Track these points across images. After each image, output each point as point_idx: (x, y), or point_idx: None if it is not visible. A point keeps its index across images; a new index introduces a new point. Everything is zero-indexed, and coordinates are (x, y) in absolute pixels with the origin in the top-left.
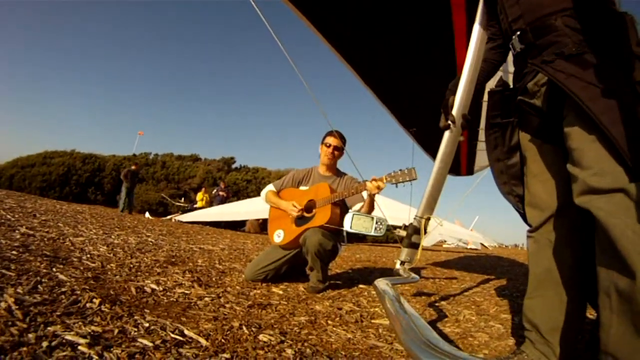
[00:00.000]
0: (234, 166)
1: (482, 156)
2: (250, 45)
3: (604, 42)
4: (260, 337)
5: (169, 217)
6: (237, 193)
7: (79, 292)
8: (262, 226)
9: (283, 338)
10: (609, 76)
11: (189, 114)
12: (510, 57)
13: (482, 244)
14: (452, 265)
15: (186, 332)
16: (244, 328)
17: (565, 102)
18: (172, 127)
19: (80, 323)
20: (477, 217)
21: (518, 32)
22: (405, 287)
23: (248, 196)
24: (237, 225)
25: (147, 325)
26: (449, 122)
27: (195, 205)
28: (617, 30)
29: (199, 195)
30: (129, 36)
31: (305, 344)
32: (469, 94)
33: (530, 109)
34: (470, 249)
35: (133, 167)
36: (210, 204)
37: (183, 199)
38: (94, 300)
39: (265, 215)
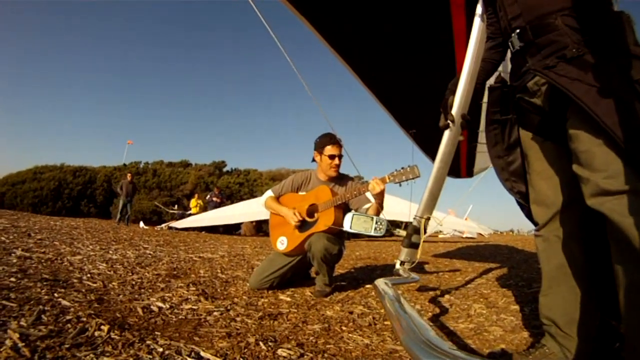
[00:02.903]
0: (225, 170)
1: (481, 158)
2: (235, 46)
3: (603, 42)
4: (279, 352)
5: (162, 225)
6: (230, 197)
7: (85, 319)
8: (258, 228)
9: (302, 351)
10: (610, 77)
11: (177, 120)
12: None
13: (479, 233)
14: (452, 256)
15: (202, 353)
16: (261, 344)
17: (567, 103)
18: (161, 134)
19: (91, 355)
20: (471, 206)
21: (517, 30)
22: (411, 284)
23: (241, 199)
24: (232, 229)
25: (161, 350)
26: (449, 121)
27: (189, 212)
28: (615, 30)
29: (193, 202)
30: (112, 44)
31: (326, 355)
32: (468, 94)
33: (530, 107)
34: (466, 237)
35: (128, 177)
36: (204, 209)
37: (176, 205)
38: (102, 327)
39: (260, 217)
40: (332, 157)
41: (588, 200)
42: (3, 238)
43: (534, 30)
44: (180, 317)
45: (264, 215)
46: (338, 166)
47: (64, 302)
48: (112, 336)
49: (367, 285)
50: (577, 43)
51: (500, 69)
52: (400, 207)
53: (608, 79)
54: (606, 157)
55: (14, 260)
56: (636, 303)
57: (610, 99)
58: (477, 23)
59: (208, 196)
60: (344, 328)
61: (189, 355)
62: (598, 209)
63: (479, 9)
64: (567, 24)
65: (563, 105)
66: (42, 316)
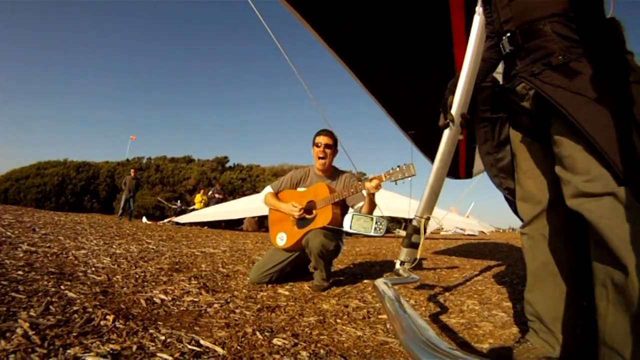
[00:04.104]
0: (227, 165)
1: (480, 159)
2: (237, 43)
3: (593, 49)
4: (275, 341)
5: (165, 220)
6: (232, 192)
7: (90, 310)
8: (260, 223)
9: (296, 340)
10: (594, 83)
11: (179, 115)
12: None
13: (480, 231)
14: (452, 253)
15: (202, 342)
16: (258, 333)
17: (553, 108)
18: (163, 129)
19: (97, 342)
20: (472, 204)
21: (508, 34)
22: None
23: (244, 194)
24: (234, 224)
25: (163, 338)
26: (448, 121)
27: (191, 207)
28: (606, 37)
29: (197, 197)
30: (114, 41)
31: (319, 345)
32: (468, 93)
33: (520, 109)
34: (468, 235)
35: (132, 173)
36: (207, 205)
37: (179, 201)
38: (107, 317)
39: (261, 213)
40: (318, 145)
41: (568, 201)
42: (9, 233)
43: (524, 34)
44: (181, 308)
45: (266, 210)
46: (323, 153)
47: (71, 294)
48: (117, 325)
49: (365, 281)
50: (564, 50)
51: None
52: (400, 204)
53: (592, 87)
54: (587, 161)
55: (21, 255)
56: (611, 299)
57: (593, 106)
58: (477, 22)
59: (210, 192)
60: (338, 320)
61: (189, 343)
62: (577, 209)
63: (478, 8)
64: (556, 31)
65: (549, 109)
66: (50, 307)
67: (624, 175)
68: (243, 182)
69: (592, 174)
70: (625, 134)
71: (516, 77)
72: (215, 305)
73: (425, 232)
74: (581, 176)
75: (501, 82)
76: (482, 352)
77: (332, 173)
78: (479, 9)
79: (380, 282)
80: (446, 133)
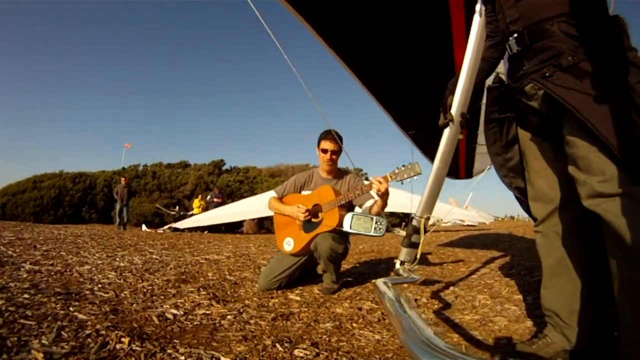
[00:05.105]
0: (224, 168)
1: (480, 160)
2: (234, 44)
3: (599, 48)
4: (296, 352)
5: (164, 227)
6: (230, 195)
7: (104, 332)
8: (260, 225)
9: (317, 350)
10: (605, 83)
11: (174, 120)
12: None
13: (480, 222)
14: (455, 245)
15: (222, 358)
16: (277, 345)
17: (564, 109)
18: (158, 135)
19: None
20: (470, 194)
21: (515, 34)
22: (419, 272)
23: (242, 197)
24: (234, 227)
25: (182, 358)
26: (448, 120)
27: (190, 213)
28: (611, 36)
29: (196, 203)
30: (106, 46)
31: (340, 353)
32: (467, 92)
33: (528, 109)
34: (468, 225)
35: (122, 182)
36: (205, 210)
37: (177, 207)
38: (123, 339)
39: (261, 215)
40: (324, 151)
41: (584, 201)
42: (10, 252)
43: (531, 35)
44: (195, 323)
45: (265, 212)
46: (331, 161)
47: (81, 316)
48: (134, 348)
49: (373, 280)
50: (573, 50)
51: (498, 70)
52: (401, 200)
53: (602, 87)
54: (602, 162)
55: (24, 275)
56: (629, 296)
57: (604, 107)
58: (477, 21)
59: (209, 197)
60: (354, 325)
61: None
62: (593, 209)
63: (478, 7)
64: (563, 31)
65: (560, 109)
66: (62, 332)
67: (638, 175)
68: (241, 185)
69: (608, 175)
70: (637, 133)
71: (524, 78)
72: (229, 317)
73: (425, 232)
74: (597, 177)
75: (506, 82)
76: (489, 344)
77: (337, 175)
78: (479, 8)
79: (380, 282)
80: (446, 133)
